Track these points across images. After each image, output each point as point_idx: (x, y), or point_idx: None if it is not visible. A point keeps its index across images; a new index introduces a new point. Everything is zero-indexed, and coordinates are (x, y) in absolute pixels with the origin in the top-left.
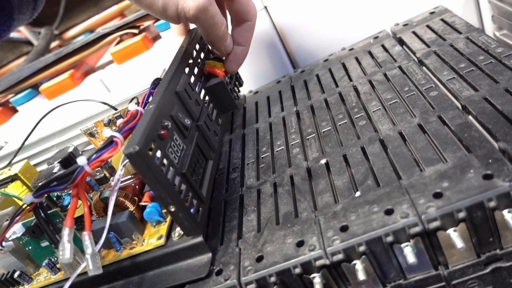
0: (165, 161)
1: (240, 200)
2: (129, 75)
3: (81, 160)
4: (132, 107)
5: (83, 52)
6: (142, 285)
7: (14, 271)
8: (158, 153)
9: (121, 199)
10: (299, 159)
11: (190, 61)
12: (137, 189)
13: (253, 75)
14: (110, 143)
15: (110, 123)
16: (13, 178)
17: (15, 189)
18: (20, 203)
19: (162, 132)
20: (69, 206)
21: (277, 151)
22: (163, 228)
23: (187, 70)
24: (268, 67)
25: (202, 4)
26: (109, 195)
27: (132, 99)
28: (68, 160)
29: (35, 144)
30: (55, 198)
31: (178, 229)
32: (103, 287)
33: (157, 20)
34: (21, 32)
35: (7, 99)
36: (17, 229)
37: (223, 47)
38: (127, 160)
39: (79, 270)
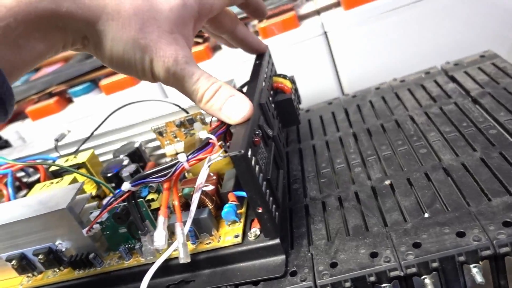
0: (257, 166)
1: (306, 209)
2: None
3: (182, 157)
4: None
5: None
6: (216, 278)
7: (89, 253)
8: (253, 159)
9: (202, 197)
10: (362, 178)
11: (264, 76)
12: (213, 190)
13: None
14: (206, 144)
15: (181, 125)
16: (79, 166)
17: (78, 176)
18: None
19: (256, 139)
20: (155, 198)
21: (337, 168)
22: (239, 227)
23: (263, 84)
24: (317, 88)
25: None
26: (190, 192)
27: None
28: (136, 154)
29: (98, 136)
30: None
31: (253, 230)
32: (174, 276)
33: None
34: None
35: (64, 89)
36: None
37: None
38: (212, 161)
39: (165, 256)
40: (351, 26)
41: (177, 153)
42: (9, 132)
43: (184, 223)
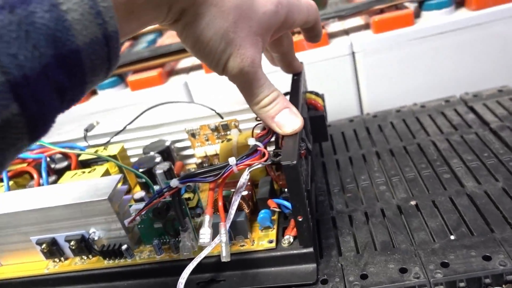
0: (301, 177)
1: (333, 221)
2: (216, 86)
3: (232, 161)
4: None
5: (177, 55)
6: (247, 280)
7: (121, 244)
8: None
9: (240, 201)
10: (388, 196)
11: (300, 92)
12: (249, 195)
13: None
14: (254, 151)
15: (215, 129)
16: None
17: (109, 168)
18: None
19: (302, 151)
20: (191, 197)
21: (362, 185)
22: (272, 233)
23: (301, 99)
24: (338, 105)
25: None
26: (228, 195)
27: None
28: (165, 152)
29: (125, 131)
30: None
31: (286, 237)
32: (204, 274)
33: None
34: None
35: None
36: (137, 207)
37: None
38: (254, 168)
39: (204, 255)
40: (378, 49)
41: (206, 156)
42: None
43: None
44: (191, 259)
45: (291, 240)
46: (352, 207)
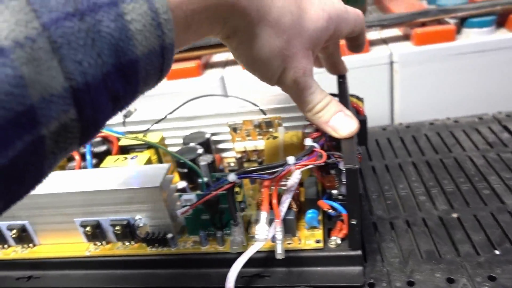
0: None
1: (374, 226)
2: (253, 83)
3: (291, 160)
4: None
5: (215, 49)
6: (293, 277)
7: (166, 233)
8: None
9: (291, 200)
10: (428, 206)
11: (348, 94)
12: (296, 194)
13: None
14: (311, 152)
15: (258, 125)
16: (149, 146)
17: (153, 156)
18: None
19: (359, 156)
20: (238, 191)
21: (401, 193)
22: (318, 233)
23: (349, 101)
24: (369, 112)
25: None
26: (279, 192)
27: None
28: (206, 144)
29: (164, 120)
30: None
31: (333, 238)
32: (250, 269)
33: None
34: None
35: None
36: (188, 197)
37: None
38: (306, 168)
39: (255, 249)
40: (417, 61)
41: (245, 151)
42: None
43: (271, 221)
44: (239, 253)
45: (339, 241)
46: (393, 214)
